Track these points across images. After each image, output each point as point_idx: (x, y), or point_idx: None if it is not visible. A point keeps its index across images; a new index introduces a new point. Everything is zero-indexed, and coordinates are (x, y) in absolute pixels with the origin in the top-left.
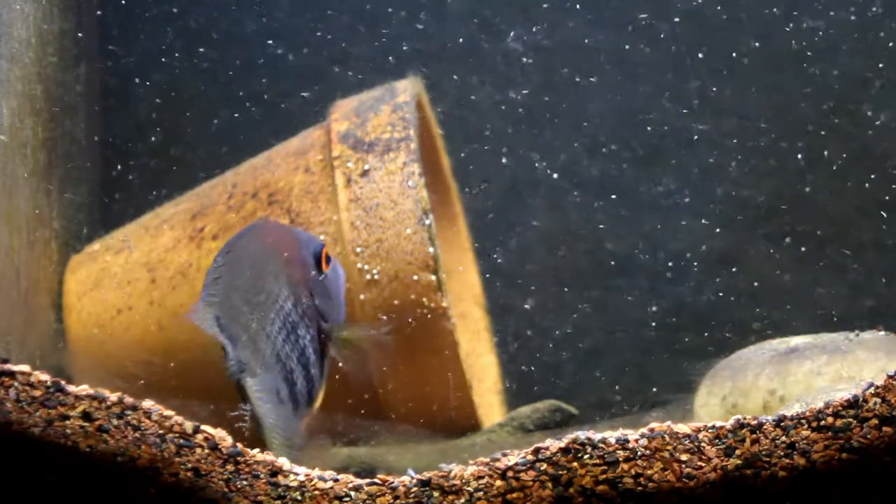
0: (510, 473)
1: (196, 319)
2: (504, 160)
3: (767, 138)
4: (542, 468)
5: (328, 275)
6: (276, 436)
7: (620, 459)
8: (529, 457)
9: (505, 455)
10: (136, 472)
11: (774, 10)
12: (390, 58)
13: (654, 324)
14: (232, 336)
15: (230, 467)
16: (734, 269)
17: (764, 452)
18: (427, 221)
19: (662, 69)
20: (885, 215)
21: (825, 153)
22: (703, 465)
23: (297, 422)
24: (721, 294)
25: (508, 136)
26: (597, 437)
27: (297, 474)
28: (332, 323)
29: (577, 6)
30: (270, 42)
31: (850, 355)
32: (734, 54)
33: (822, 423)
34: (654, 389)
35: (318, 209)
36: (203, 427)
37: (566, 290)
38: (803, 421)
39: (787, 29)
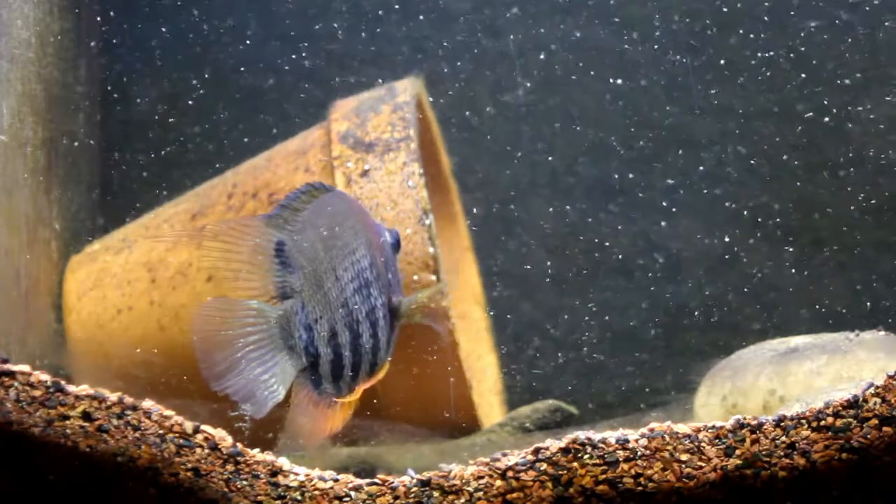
0: (510, 473)
1: (246, 227)
2: (503, 160)
3: (768, 139)
4: (542, 468)
5: (398, 258)
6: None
7: (620, 459)
8: (529, 457)
9: (505, 455)
10: (136, 472)
11: (774, 9)
12: (390, 58)
13: (654, 324)
14: (290, 262)
15: (230, 467)
16: (734, 269)
17: (764, 452)
18: (427, 221)
19: (662, 69)
20: (885, 215)
21: (826, 154)
22: (703, 465)
23: (346, 378)
24: (721, 294)
25: (508, 136)
26: (597, 437)
27: (297, 474)
28: (399, 299)
29: (577, 6)
30: (270, 42)
31: (850, 355)
32: (734, 53)
33: (822, 423)
34: (653, 390)
35: None
36: (203, 427)
37: (566, 290)
38: (803, 421)
39: (787, 28)
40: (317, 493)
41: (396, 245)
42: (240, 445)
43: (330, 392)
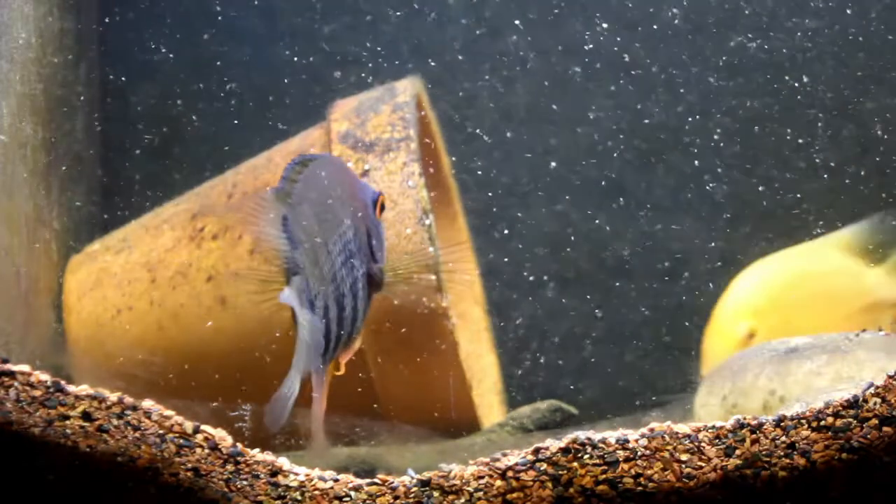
0: (510, 473)
1: (261, 201)
2: (503, 160)
3: (768, 138)
4: (542, 468)
5: (380, 222)
6: (306, 345)
7: (620, 459)
8: (529, 457)
9: (505, 455)
10: (136, 472)
11: (774, 8)
12: (390, 58)
13: (654, 324)
14: (293, 238)
15: (230, 467)
16: (734, 270)
17: (764, 452)
18: (427, 221)
19: (662, 69)
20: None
21: (827, 153)
22: (703, 465)
23: (330, 352)
24: (721, 294)
25: (508, 136)
26: (597, 437)
27: (297, 474)
28: (380, 265)
29: (577, 6)
30: (271, 42)
31: (850, 355)
32: (734, 53)
33: (822, 423)
34: (654, 390)
35: None
36: (203, 427)
37: (566, 290)
38: (803, 421)
39: (788, 27)
40: (317, 493)
41: (375, 205)
42: (240, 445)
43: (319, 367)
